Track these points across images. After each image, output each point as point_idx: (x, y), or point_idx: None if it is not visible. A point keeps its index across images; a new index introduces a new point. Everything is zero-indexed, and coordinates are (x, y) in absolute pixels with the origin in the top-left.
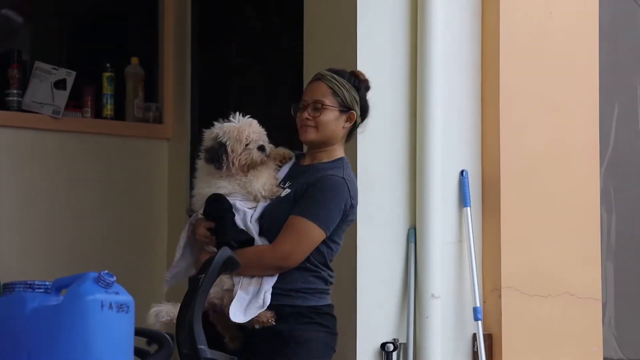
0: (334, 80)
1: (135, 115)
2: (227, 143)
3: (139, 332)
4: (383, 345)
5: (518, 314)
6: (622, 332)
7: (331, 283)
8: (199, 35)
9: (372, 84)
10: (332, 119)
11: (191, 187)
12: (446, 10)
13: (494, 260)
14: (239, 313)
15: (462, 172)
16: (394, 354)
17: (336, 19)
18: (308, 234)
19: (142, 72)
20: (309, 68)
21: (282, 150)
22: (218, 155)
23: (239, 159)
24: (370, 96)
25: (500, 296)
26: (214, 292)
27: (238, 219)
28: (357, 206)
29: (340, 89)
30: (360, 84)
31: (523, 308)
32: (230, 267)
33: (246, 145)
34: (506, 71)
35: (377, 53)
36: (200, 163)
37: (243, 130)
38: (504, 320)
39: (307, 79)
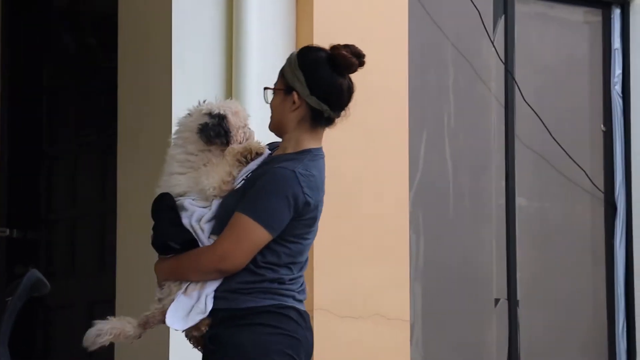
0: (287, 60)
1: None
2: (220, 113)
3: None
4: None
5: (330, 335)
6: (429, 352)
7: (291, 283)
8: (10, 53)
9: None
10: (278, 103)
11: (0, 205)
12: (261, 24)
13: (307, 282)
14: (178, 319)
15: None
16: None
17: (150, 35)
18: (248, 233)
19: None
20: (124, 87)
21: (249, 145)
22: (221, 128)
23: (237, 138)
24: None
25: (312, 318)
26: (168, 302)
27: (185, 218)
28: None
29: (285, 68)
30: (316, 61)
31: (335, 330)
32: (39, 289)
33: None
34: None
35: (193, 74)
36: (173, 152)
37: (239, 106)
38: (316, 341)
39: (121, 99)
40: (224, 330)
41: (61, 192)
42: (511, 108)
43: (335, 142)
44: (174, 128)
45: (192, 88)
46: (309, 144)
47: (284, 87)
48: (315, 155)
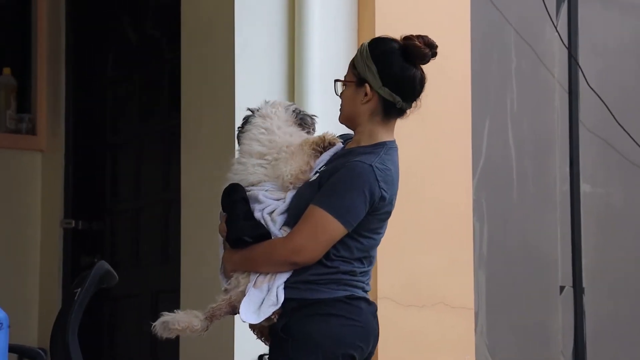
0: (357, 51)
1: (7, 126)
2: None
3: (12, 349)
4: (261, 357)
5: (394, 324)
6: (493, 340)
7: (362, 275)
8: (74, 46)
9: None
10: (349, 95)
11: (66, 197)
12: (323, 13)
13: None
14: (251, 313)
15: None
16: None
17: (213, 25)
18: (324, 227)
19: (14, 83)
20: (187, 77)
21: (324, 135)
22: (308, 116)
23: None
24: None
25: None
26: (235, 294)
27: (257, 211)
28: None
29: (357, 59)
30: (389, 52)
31: (399, 319)
32: (108, 281)
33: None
34: None
35: (255, 63)
36: (256, 136)
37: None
38: (380, 331)
39: (185, 88)
40: (296, 320)
41: (125, 182)
42: (575, 93)
43: (399, 128)
44: (246, 119)
45: (254, 77)
46: (383, 136)
47: (355, 79)
48: (390, 148)
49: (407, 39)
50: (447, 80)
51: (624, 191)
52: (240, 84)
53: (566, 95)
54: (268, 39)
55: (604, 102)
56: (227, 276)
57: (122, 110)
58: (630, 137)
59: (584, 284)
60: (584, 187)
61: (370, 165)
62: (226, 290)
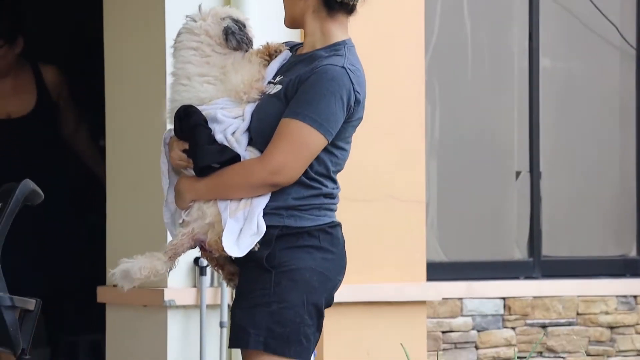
0: None
1: None
2: (240, 20)
3: None
4: (196, 260)
5: (341, 219)
6: (445, 233)
7: (334, 197)
8: None
9: None
10: None
11: None
12: None
13: None
14: (233, 246)
15: None
16: (208, 269)
17: None
18: (304, 141)
19: None
20: None
21: (268, 44)
22: (245, 35)
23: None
24: None
25: None
26: (198, 226)
27: (218, 133)
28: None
29: None
30: None
31: (346, 214)
32: (32, 199)
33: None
34: None
35: None
36: (185, 55)
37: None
38: None
39: None
40: (280, 251)
41: None
42: None
43: None
44: (178, 34)
45: None
46: (338, 35)
47: None
48: (350, 46)
49: None
50: None
51: (586, 64)
52: None
53: None
54: None
55: None
56: (183, 207)
57: None
58: (593, 3)
59: (541, 168)
60: (544, 62)
61: (343, 67)
62: (186, 223)
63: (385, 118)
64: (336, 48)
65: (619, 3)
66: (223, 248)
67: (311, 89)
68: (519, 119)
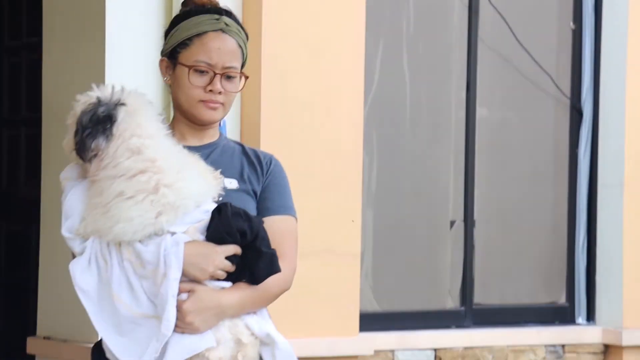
0: (240, 33)
1: None
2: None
3: None
4: None
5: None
6: (379, 283)
7: None
8: None
9: None
10: (239, 89)
11: None
12: None
13: None
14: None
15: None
16: None
17: None
18: (296, 233)
19: None
20: None
21: None
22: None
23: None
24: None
25: None
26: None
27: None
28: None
29: (244, 44)
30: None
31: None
32: None
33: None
34: (269, 15)
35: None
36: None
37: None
38: None
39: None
40: None
41: None
42: (475, 8)
43: (281, 60)
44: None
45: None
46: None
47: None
48: None
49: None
50: (338, 1)
51: (522, 113)
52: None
53: (466, 12)
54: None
55: (503, 18)
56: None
57: None
58: (529, 54)
59: (475, 217)
60: (481, 112)
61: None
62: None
63: (324, 171)
64: (224, 137)
65: (555, 53)
66: None
67: (282, 181)
68: (455, 169)
